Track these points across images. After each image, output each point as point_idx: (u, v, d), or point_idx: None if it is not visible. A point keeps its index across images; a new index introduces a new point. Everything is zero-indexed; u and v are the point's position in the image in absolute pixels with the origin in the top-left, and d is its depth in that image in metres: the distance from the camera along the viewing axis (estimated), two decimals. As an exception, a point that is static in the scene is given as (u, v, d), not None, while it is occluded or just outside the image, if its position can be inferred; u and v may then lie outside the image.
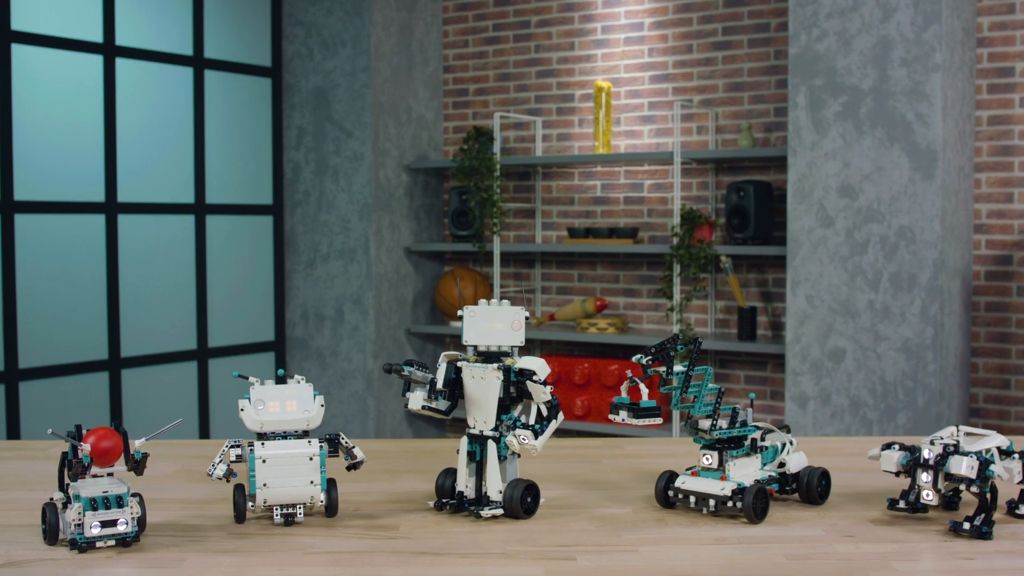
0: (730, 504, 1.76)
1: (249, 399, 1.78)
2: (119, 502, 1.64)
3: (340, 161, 6.01)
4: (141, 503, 1.69)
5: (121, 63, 5.28)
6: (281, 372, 1.84)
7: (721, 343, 5.27)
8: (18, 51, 4.87)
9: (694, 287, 5.41)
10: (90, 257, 5.19)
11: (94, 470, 1.66)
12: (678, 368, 1.79)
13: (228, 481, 1.79)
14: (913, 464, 1.75)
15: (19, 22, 4.86)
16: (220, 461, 1.79)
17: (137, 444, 1.70)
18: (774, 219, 5.30)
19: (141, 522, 1.69)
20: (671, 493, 1.82)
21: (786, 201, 5.00)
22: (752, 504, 1.74)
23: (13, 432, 4.79)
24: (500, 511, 1.78)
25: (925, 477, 1.73)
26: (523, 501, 1.78)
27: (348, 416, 6.07)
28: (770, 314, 5.48)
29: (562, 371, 5.68)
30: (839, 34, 4.69)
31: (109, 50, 5.21)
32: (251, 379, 1.80)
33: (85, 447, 1.65)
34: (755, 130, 5.47)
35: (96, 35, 5.17)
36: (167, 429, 1.77)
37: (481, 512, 1.77)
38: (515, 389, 1.79)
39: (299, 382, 1.81)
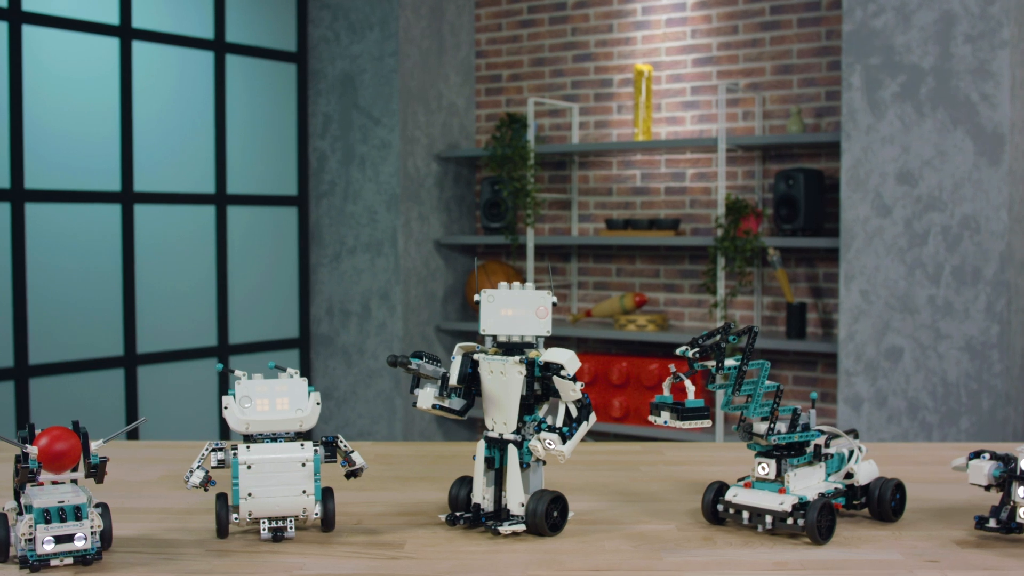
0: (790, 521, 1.62)
1: (234, 396, 1.63)
2: (77, 514, 1.48)
3: (367, 150, 5.92)
4: (105, 514, 1.53)
5: (138, 46, 5.21)
6: (272, 365, 1.66)
7: (768, 341, 5.13)
8: (29, 33, 4.79)
9: (739, 282, 5.29)
10: (105, 249, 5.11)
11: (53, 476, 1.50)
12: (729, 363, 1.65)
13: (206, 490, 1.65)
14: (1008, 476, 1.60)
15: (30, 2, 4.78)
16: (198, 466, 1.64)
17: (94, 447, 1.50)
18: (825, 209, 5.18)
19: (105, 536, 1.54)
20: (721, 507, 1.69)
21: (838, 190, 4.92)
22: (816, 521, 1.60)
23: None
24: (522, 527, 1.64)
25: (1022, 492, 1.58)
26: (548, 516, 1.64)
27: (374, 417, 5.97)
28: (821, 311, 5.34)
29: (599, 370, 5.57)
30: (897, 9, 4.54)
31: (125, 33, 5.14)
32: (236, 373, 1.66)
33: (33, 450, 1.45)
34: (805, 115, 5.35)
35: (112, 17, 5.10)
36: (128, 429, 1.61)
37: (500, 528, 1.63)
38: (540, 386, 1.66)
39: (292, 376, 1.67)
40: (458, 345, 1.71)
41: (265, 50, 5.81)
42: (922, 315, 4.54)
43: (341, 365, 6.06)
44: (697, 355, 1.62)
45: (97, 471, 1.50)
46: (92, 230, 5.05)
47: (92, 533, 1.48)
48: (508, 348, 1.68)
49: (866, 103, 4.60)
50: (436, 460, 2.20)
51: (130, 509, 1.79)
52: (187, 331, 5.48)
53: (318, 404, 1.65)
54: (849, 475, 1.73)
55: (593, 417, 1.65)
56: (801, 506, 1.61)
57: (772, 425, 1.64)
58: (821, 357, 5.31)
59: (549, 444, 1.61)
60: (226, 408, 1.61)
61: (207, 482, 1.61)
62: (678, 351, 1.64)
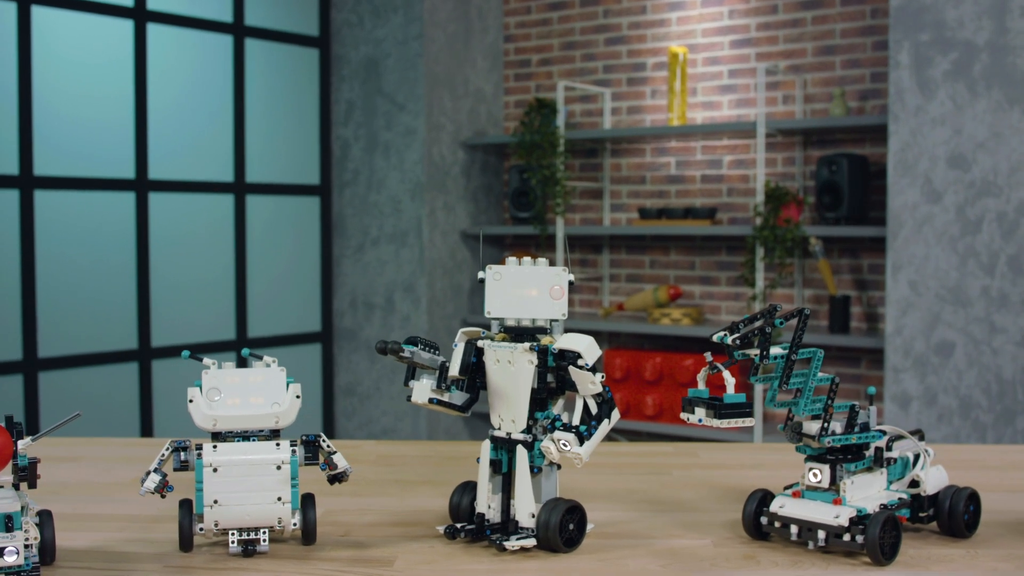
0: (847, 537, 1.45)
1: (200, 387, 1.46)
2: (8, 524, 1.30)
3: (391, 137, 5.84)
4: (46, 523, 1.37)
5: (153, 29, 5.16)
6: (246, 352, 1.49)
7: (810, 336, 5.02)
8: (39, 14, 4.73)
9: (779, 273, 5.19)
10: (118, 238, 5.06)
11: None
12: (775, 351, 1.45)
13: (163, 496, 1.45)
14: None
15: (41, -17, 4.78)
16: (155, 469, 1.45)
17: (21, 446, 1.31)
18: (870, 196, 5.07)
19: (46, 549, 1.37)
20: (765, 520, 1.52)
21: (885, 176, 4.81)
22: (878, 538, 1.42)
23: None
24: (532, 542, 1.47)
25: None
26: (563, 528, 1.47)
27: (399, 414, 5.92)
28: (865, 304, 5.22)
29: (632, 366, 5.47)
30: (949, -18, 4.44)
31: (140, 14, 5.10)
32: (206, 361, 1.49)
33: (-51, 450, 1.27)
34: (849, 98, 5.23)
35: (126, -3, 5.08)
36: (61, 425, 1.44)
37: (506, 543, 1.46)
38: (554, 377, 1.49)
39: (268, 365, 1.49)
40: (461, 330, 1.52)
41: (286, 34, 5.75)
42: (975, 307, 4.40)
43: (364, 360, 5.96)
44: (737, 342, 1.43)
45: (27, 474, 1.32)
46: (105, 219, 5.00)
47: (27, 546, 1.30)
48: (517, 334, 1.51)
49: (915, 82, 4.46)
50: (443, 462, 2.02)
51: (90, 516, 1.63)
52: (204, 324, 5.43)
53: (298, 397, 1.46)
54: (915, 483, 1.55)
55: (616, 414, 1.47)
56: (860, 520, 1.45)
57: (825, 424, 1.46)
58: (865, 353, 5.20)
59: (564, 445, 1.44)
60: (191, 401, 1.43)
61: (163, 487, 1.42)
62: (715, 337, 1.44)
